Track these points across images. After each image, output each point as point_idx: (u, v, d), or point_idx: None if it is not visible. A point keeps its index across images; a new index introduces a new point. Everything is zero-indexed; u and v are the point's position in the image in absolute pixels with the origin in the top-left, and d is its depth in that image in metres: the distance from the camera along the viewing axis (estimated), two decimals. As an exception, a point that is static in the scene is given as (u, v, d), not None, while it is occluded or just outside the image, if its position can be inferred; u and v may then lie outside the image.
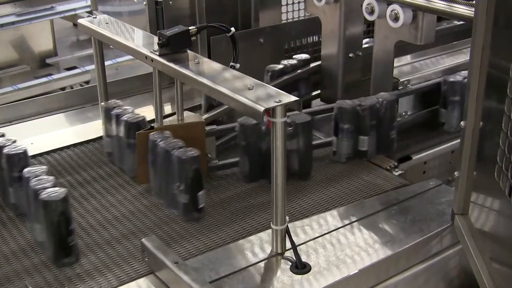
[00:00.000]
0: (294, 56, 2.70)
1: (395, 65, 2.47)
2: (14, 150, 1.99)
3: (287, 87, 2.52)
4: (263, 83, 1.83)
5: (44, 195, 1.75)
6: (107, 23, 2.35)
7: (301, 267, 1.75)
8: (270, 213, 1.81)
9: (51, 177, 1.85)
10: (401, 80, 2.52)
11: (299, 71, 2.64)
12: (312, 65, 2.70)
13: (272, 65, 2.61)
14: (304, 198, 2.10)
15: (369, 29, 2.99)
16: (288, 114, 1.70)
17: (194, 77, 1.91)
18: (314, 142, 2.28)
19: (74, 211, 2.04)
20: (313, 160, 2.26)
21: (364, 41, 2.79)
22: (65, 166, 2.33)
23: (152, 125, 2.15)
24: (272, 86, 1.84)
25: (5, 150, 1.99)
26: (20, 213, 2.02)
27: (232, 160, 2.26)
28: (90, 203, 2.11)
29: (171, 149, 1.96)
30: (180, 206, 1.98)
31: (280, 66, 2.61)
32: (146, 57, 2.07)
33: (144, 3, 2.87)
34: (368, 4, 2.33)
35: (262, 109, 1.65)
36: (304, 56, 2.71)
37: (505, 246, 1.63)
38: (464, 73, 2.54)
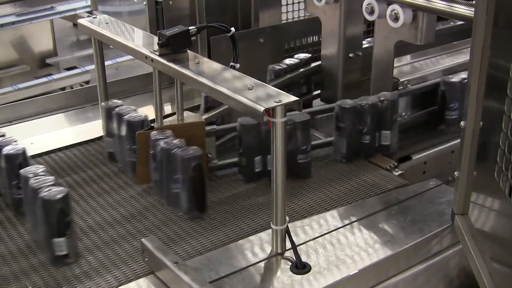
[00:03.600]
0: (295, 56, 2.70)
1: (395, 65, 2.47)
2: (14, 149, 1.99)
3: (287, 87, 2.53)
4: (263, 83, 1.83)
5: (43, 193, 1.75)
6: (107, 23, 2.35)
7: (301, 267, 1.75)
8: (270, 213, 1.81)
9: (50, 177, 1.85)
10: (401, 80, 2.52)
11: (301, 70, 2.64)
12: (312, 64, 2.70)
13: (273, 65, 2.61)
14: (304, 198, 2.10)
15: (369, 29, 2.99)
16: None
17: (194, 77, 1.91)
18: (314, 142, 2.28)
19: (73, 212, 2.04)
20: (313, 160, 2.25)
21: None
22: (65, 166, 2.33)
23: (152, 125, 2.15)
24: (273, 85, 1.84)
25: (4, 150, 1.99)
26: (19, 213, 2.02)
27: (232, 160, 2.26)
28: (89, 203, 2.11)
29: (173, 148, 1.96)
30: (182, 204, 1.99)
31: (283, 66, 2.61)
32: (146, 57, 2.07)
33: (144, 3, 2.87)
34: (368, 4, 2.33)
35: (262, 109, 1.65)
36: (304, 55, 2.71)
37: (505, 246, 1.63)
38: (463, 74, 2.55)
